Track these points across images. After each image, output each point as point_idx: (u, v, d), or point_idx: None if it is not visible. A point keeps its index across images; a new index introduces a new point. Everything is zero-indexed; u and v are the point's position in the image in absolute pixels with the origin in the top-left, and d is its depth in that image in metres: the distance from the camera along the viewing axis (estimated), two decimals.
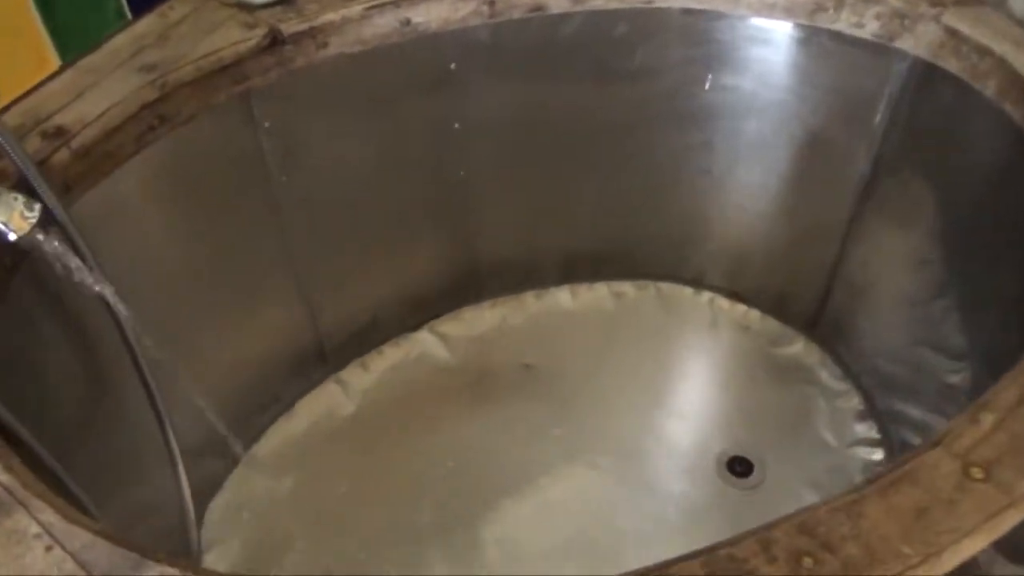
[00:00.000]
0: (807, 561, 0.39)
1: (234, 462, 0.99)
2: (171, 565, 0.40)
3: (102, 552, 0.42)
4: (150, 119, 0.74)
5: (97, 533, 0.41)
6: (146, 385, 0.75)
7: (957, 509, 0.41)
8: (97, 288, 0.63)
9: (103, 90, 0.72)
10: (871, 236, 1.01)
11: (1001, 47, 0.78)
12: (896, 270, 0.98)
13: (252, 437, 1.03)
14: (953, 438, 0.44)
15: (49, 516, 0.42)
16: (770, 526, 0.41)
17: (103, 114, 0.70)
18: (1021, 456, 0.43)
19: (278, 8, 0.85)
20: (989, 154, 0.80)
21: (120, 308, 0.66)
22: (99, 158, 0.69)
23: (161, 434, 0.79)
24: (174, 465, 0.81)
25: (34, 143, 0.66)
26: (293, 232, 0.96)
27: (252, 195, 0.89)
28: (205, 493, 0.96)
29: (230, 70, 0.80)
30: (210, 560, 0.91)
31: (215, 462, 0.97)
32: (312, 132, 0.90)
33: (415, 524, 0.95)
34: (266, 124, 0.85)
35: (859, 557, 0.39)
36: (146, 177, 0.75)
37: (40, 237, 0.53)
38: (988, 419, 0.45)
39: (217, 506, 0.97)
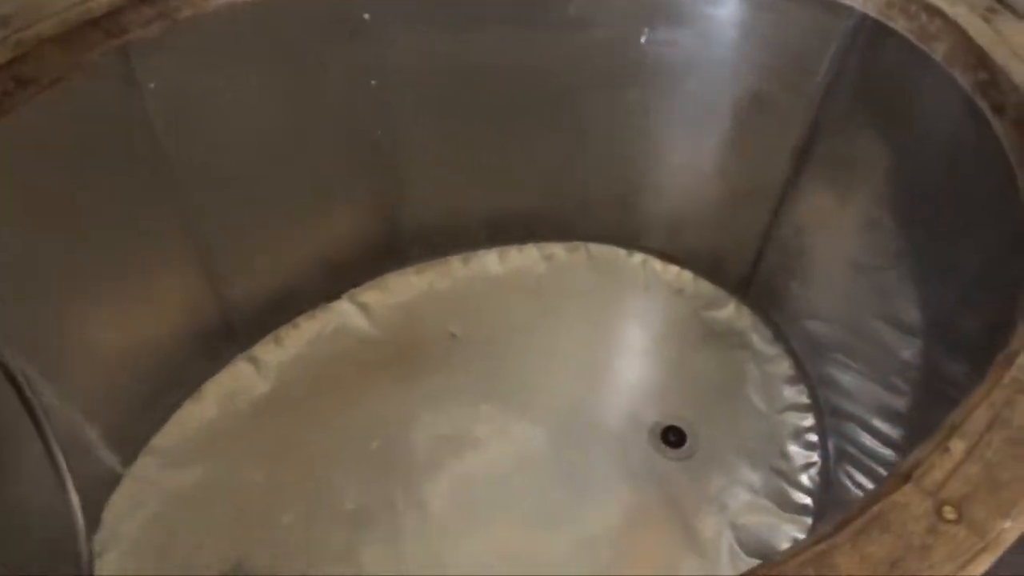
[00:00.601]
0: None
1: (137, 450, 0.91)
2: None
3: None
4: (4, 82, 0.62)
5: None
6: (18, 390, 0.66)
7: (931, 556, 0.38)
8: None
9: None
10: (808, 199, 0.98)
11: (954, 8, 0.74)
12: (836, 235, 0.95)
13: (156, 424, 0.95)
14: (924, 471, 0.41)
15: None
16: None
17: None
18: (994, 491, 0.40)
19: None
20: (938, 120, 0.77)
21: None
22: None
23: (39, 437, 0.70)
24: (57, 469, 0.72)
25: None
26: (190, 202, 0.86)
27: (138, 165, 0.78)
28: (103, 489, 0.88)
29: (103, 22, 0.68)
30: (107, 564, 0.84)
31: (112, 455, 0.89)
32: (205, 92, 0.80)
33: (337, 511, 0.90)
34: (151, 84, 0.74)
35: None
36: (3, 151, 0.64)
37: None
38: (959, 447, 0.42)
39: (115, 504, 0.89)
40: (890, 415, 0.86)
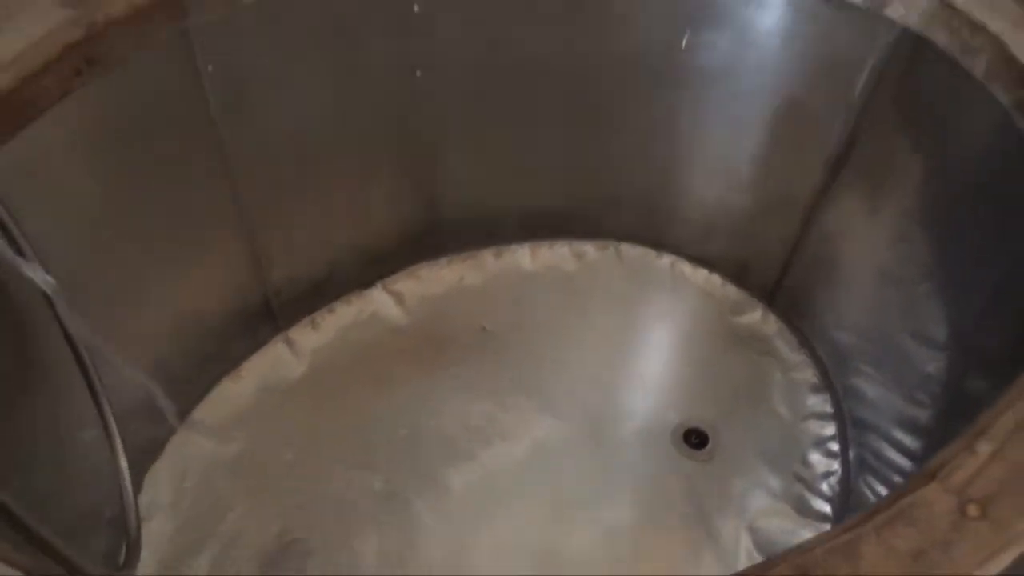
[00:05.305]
0: None
1: (171, 430, 0.94)
2: None
3: None
4: (76, 62, 0.65)
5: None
6: (76, 353, 0.69)
7: (953, 551, 0.39)
8: (11, 256, 0.56)
9: (18, 28, 0.63)
10: (840, 209, 0.99)
11: (997, 24, 0.75)
12: (866, 246, 0.96)
13: (195, 399, 0.98)
14: (950, 471, 0.42)
15: None
16: (766, 566, 0.38)
17: (20, 56, 0.61)
18: (1018, 491, 0.41)
19: None
20: (976, 136, 0.78)
21: (42, 276, 0.59)
22: (15, 107, 0.61)
23: (94, 401, 0.73)
24: (109, 434, 0.75)
25: None
26: (241, 183, 0.88)
27: (195, 144, 0.81)
28: (145, 457, 0.91)
29: (167, 6, 0.71)
30: (150, 529, 0.87)
31: (155, 426, 0.92)
32: (260, 75, 0.82)
33: (364, 493, 0.92)
34: (209, 67, 0.77)
35: None
36: (72, 128, 0.67)
37: None
38: (985, 448, 0.43)
39: (158, 471, 0.92)
40: (912, 428, 0.87)
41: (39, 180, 0.66)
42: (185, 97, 0.77)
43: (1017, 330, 0.60)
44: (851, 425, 1.01)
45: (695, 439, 1.01)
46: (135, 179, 0.77)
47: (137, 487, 0.88)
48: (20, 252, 0.58)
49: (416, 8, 0.89)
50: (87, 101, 0.67)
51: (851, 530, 0.40)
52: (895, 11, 0.83)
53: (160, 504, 0.90)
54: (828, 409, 1.04)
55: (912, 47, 0.82)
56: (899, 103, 0.86)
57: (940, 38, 0.80)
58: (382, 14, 0.87)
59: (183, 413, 0.95)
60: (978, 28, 0.76)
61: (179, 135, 0.79)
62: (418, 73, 0.94)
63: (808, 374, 1.08)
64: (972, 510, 0.41)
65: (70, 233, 0.72)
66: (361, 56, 0.89)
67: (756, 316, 1.14)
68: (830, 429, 1.02)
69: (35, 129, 0.63)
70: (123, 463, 0.71)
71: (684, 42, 0.96)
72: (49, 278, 0.59)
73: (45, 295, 0.61)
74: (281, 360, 1.04)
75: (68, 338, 0.67)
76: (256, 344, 1.03)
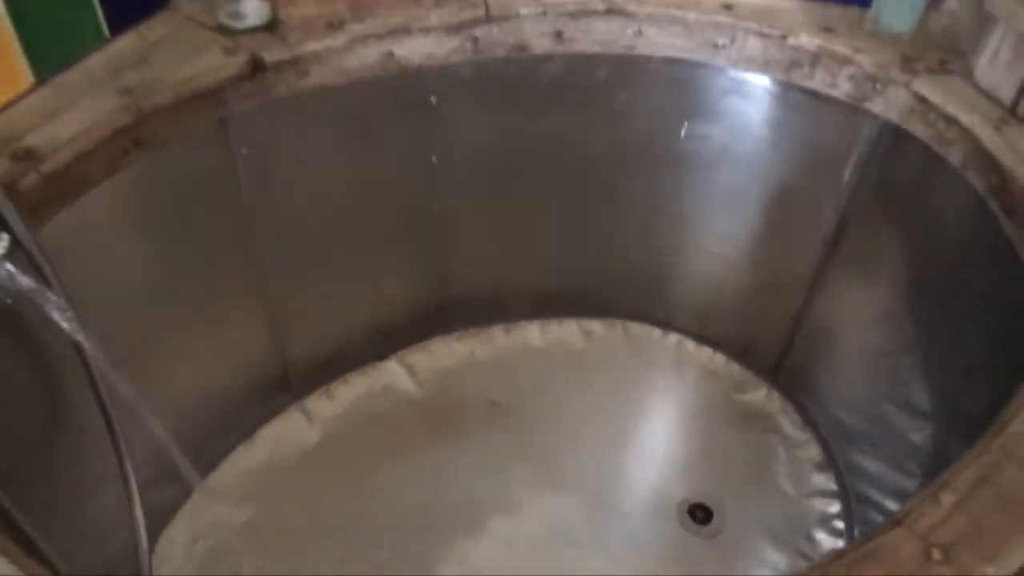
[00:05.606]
0: None
1: (188, 492, 0.97)
2: None
3: None
4: (124, 143, 0.72)
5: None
6: (104, 411, 0.73)
7: None
8: (57, 315, 0.61)
9: (77, 112, 0.71)
10: (835, 289, 1.03)
11: (968, 117, 0.80)
12: (859, 323, 1.00)
13: (210, 464, 1.01)
14: (915, 518, 0.45)
15: (4, 568, 0.41)
16: None
17: (76, 137, 0.68)
18: (979, 539, 0.44)
19: (260, 34, 0.85)
20: (954, 218, 0.83)
21: (81, 335, 0.64)
22: (69, 182, 0.67)
23: (117, 461, 0.77)
24: (129, 494, 0.79)
25: (3, 165, 0.64)
26: (266, 258, 0.95)
27: (226, 221, 0.88)
28: (159, 521, 0.94)
29: (209, 96, 0.79)
30: None
31: (170, 489, 0.95)
32: (288, 160, 0.90)
33: (373, 560, 0.94)
34: (243, 151, 0.85)
35: None
36: (117, 202, 0.74)
37: (9, 267, 0.51)
38: (948, 499, 0.46)
39: (171, 535, 0.94)
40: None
41: (85, 247, 0.72)
42: (220, 178, 0.84)
43: (995, 393, 0.63)
44: (856, 502, 1.02)
45: (700, 514, 1.02)
46: (170, 251, 0.84)
47: (151, 548, 0.91)
48: (59, 308, 0.63)
49: (433, 100, 0.96)
50: (132, 179, 0.74)
51: (820, 569, 0.42)
52: (876, 105, 0.89)
53: (173, 565, 0.92)
54: (832, 486, 1.05)
55: (893, 138, 0.89)
56: (884, 189, 0.92)
57: (918, 130, 0.86)
58: (401, 106, 0.95)
59: (199, 476, 0.98)
60: (952, 121, 0.82)
61: (213, 212, 0.86)
62: (434, 159, 1.01)
63: (812, 452, 1.09)
64: (936, 554, 0.43)
65: (108, 299, 0.77)
66: (380, 143, 0.96)
67: (760, 394, 1.16)
68: (835, 507, 1.03)
69: (86, 201, 0.69)
70: (140, 519, 0.74)
71: (683, 132, 1.03)
72: (83, 333, 0.63)
73: (78, 349, 0.66)
74: (296, 428, 1.07)
75: (98, 396, 0.71)
76: (272, 412, 1.07)
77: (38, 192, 0.65)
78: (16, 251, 0.58)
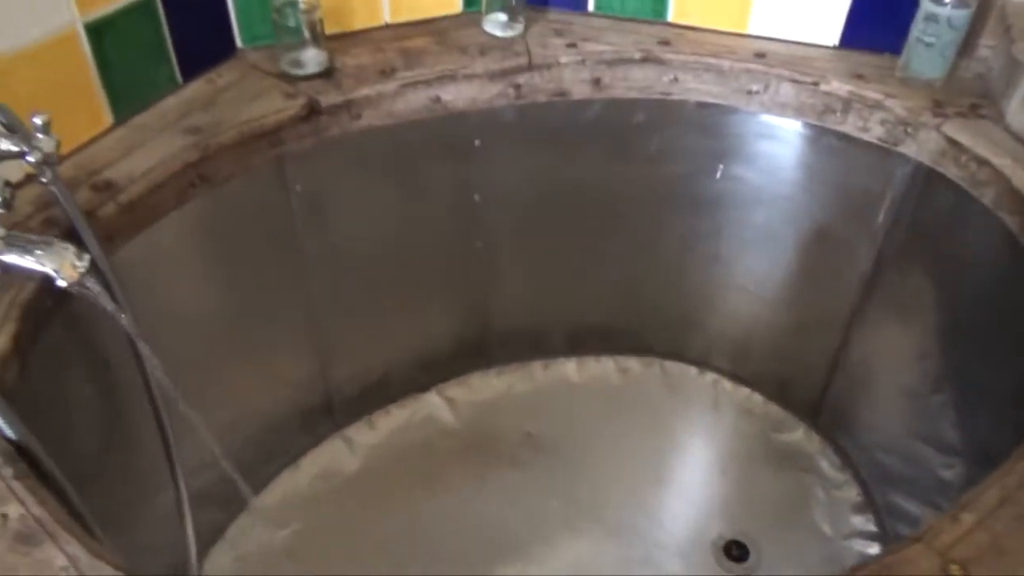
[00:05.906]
0: None
1: (238, 509, 1.01)
2: None
3: None
4: (191, 177, 0.78)
5: (119, 568, 0.43)
6: (162, 429, 0.78)
7: None
8: (129, 333, 0.66)
9: (150, 148, 0.77)
10: (873, 329, 1.04)
11: (999, 159, 0.82)
12: (895, 363, 1.00)
13: (257, 487, 1.05)
14: (935, 534, 0.46)
15: (75, 549, 0.44)
16: None
17: (149, 171, 0.74)
18: (998, 556, 0.45)
19: (318, 80, 0.91)
20: (986, 258, 0.84)
21: (148, 354, 0.69)
22: (142, 211, 0.73)
23: (172, 478, 0.81)
24: (181, 511, 0.83)
25: (84, 195, 0.71)
26: (315, 289, 1.00)
27: (279, 252, 0.93)
28: (207, 539, 0.98)
29: (268, 136, 0.85)
30: None
31: (218, 510, 0.99)
32: (339, 196, 0.95)
33: None
34: (297, 187, 0.90)
35: None
36: (183, 231, 0.80)
37: (88, 285, 0.56)
38: (968, 519, 0.47)
39: (217, 553, 0.98)
40: None
41: (152, 271, 0.78)
42: (275, 211, 0.90)
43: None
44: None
45: (736, 552, 1.02)
46: (227, 279, 0.89)
47: (199, 567, 0.94)
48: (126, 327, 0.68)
49: (477, 143, 1.01)
50: (197, 210, 0.80)
51: None
52: (908, 148, 0.91)
53: None
54: (871, 528, 1.04)
55: (926, 180, 0.90)
56: (917, 229, 0.93)
57: (951, 172, 0.88)
58: (446, 147, 1.00)
59: (244, 500, 1.02)
60: (984, 162, 0.84)
61: (267, 243, 0.91)
62: (476, 197, 1.06)
63: (851, 493, 1.09)
64: (955, 570, 0.44)
65: (168, 320, 0.82)
66: (426, 182, 1.01)
67: (798, 434, 1.16)
68: (873, 548, 1.02)
69: (155, 229, 0.75)
70: (192, 539, 0.77)
71: (718, 173, 1.06)
72: (149, 352, 0.68)
73: (141, 368, 0.71)
74: (338, 455, 1.11)
75: (156, 412, 0.76)
76: (315, 439, 1.11)
77: (114, 220, 0.71)
78: (93, 272, 0.63)
